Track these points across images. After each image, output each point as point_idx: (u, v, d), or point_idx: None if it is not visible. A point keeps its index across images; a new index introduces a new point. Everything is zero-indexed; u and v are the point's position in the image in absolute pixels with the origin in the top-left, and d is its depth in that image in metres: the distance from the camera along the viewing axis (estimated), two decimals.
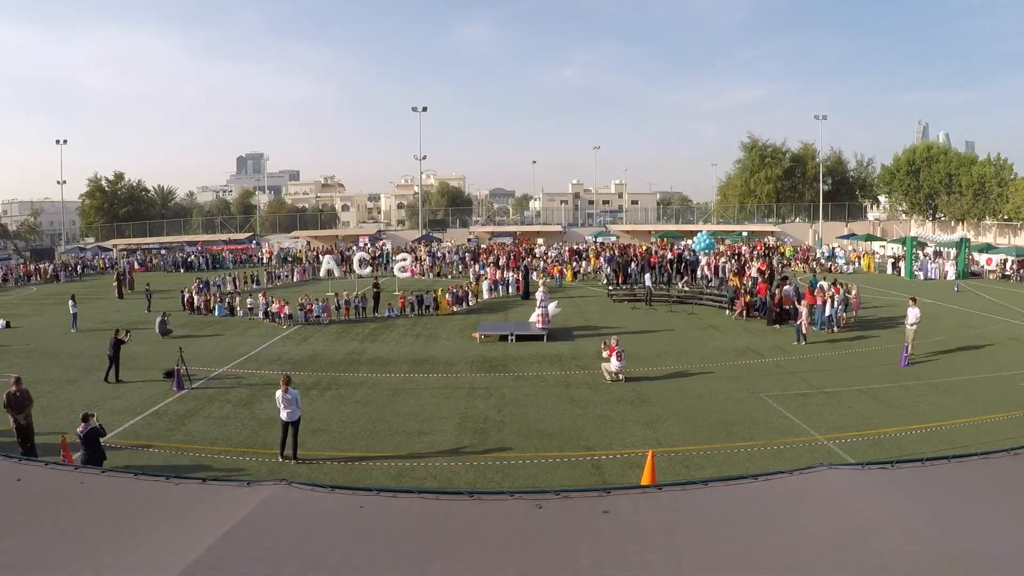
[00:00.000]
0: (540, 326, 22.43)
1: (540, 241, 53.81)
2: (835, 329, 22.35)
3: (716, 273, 34.87)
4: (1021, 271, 36.34)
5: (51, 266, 47.43)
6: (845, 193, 64.68)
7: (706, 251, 36.15)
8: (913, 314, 18.90)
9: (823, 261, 44.25)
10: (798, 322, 21.13)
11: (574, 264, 43.57)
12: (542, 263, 44.44)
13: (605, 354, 17.29)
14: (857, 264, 43.60)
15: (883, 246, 51.43)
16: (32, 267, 47.32)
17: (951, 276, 37.05)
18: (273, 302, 26.75)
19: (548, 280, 33.06)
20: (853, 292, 24.17)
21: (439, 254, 49.89)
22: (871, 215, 69.31)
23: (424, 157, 61.25)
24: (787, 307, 23.37)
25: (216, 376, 17.78)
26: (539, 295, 23.11)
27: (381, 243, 57.01)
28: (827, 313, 22.53)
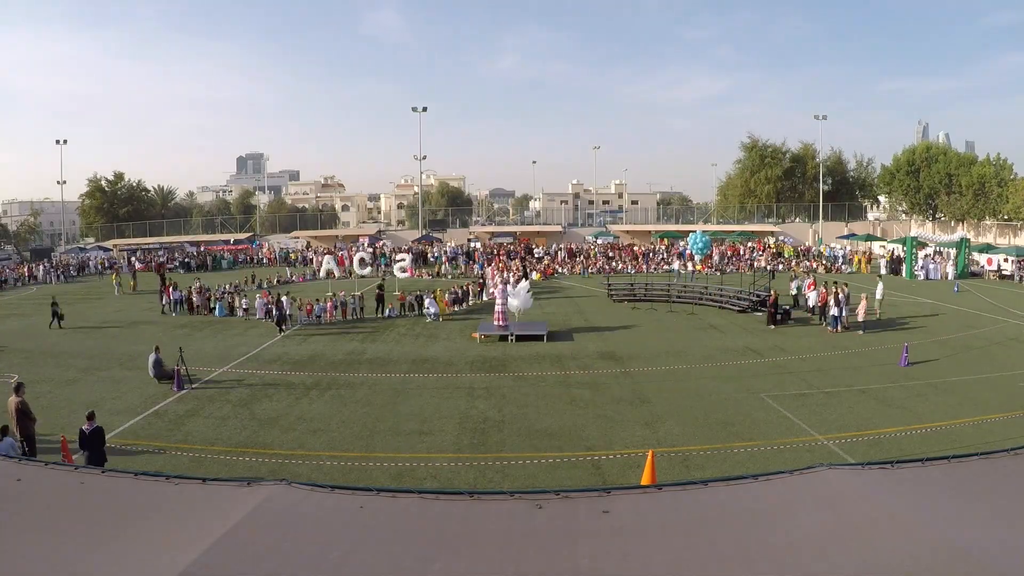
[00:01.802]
0: (498, 324, 22.42)
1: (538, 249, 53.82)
2: (838, 329, 22.40)
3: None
4: (1021, 272, 36.35)
5: (43, 266, 47.23)
6: (845, 193, 64.68)
7: (703, 251, 36.07)
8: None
9: (825, 262, 44.29)
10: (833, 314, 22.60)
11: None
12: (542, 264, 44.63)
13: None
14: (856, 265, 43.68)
15: (883, 246, 51.47)
16: (26, 268, 47.10)
17: (951, 276, 37.08)
18: (295, 302, 26.37)
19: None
20: (856, 295, 24.22)
21: (437, 255, 50.02)
22: (871, 215, 69.29)
23: (424, 157, 61.26)
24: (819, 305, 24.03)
25: (216, 376, 17.78)
26: (497, 292, 23.14)
27: (381, 243, 57.05)
28: (832, 312, 22.63)
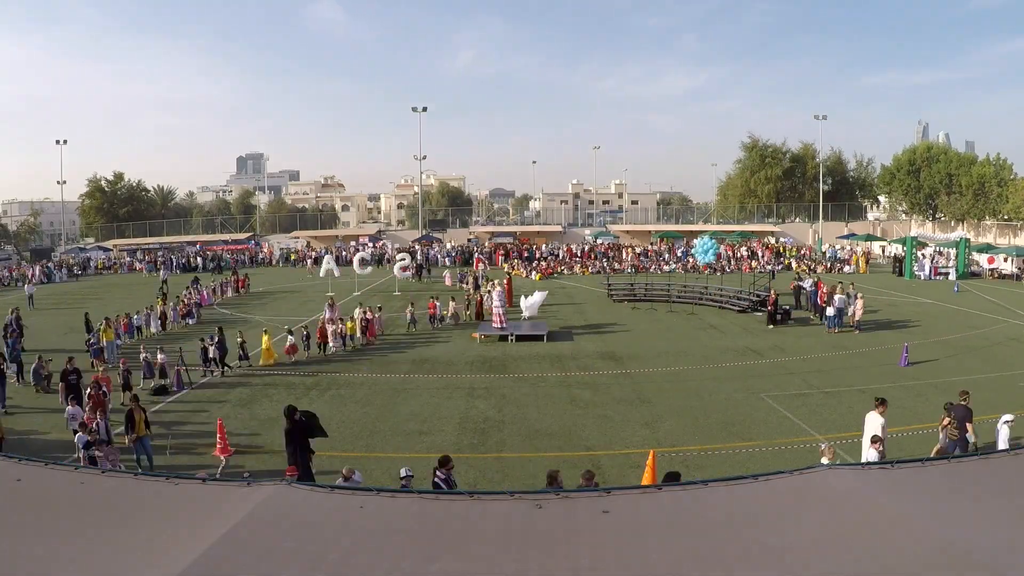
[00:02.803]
0: (496, 326, 22.41)
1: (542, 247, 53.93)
2: (838, 329, 22.42)
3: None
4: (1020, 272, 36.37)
5: (41, 266, 47.26)
6: (845, 193, 64.68)
7: (710, 257, 35.90)
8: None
9: (826, 262, 44.30)
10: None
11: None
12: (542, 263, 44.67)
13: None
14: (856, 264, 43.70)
15: (883, 246, 51.47)
16: (25, 269, 47.07)
17: (952, 276, 37.09)
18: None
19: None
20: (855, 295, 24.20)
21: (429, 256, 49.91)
22: (871, 215, 69.28)
23: (424, 157, 61.26)
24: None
25: (216, 376, 17.77)
26: (494, 295, 23.07)
27: (381, 243, 57.06)
28: (830, 312, 22.66)
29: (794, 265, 43.39)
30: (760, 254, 47.39)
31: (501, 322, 22.38)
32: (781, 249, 49.28)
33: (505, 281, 28.20)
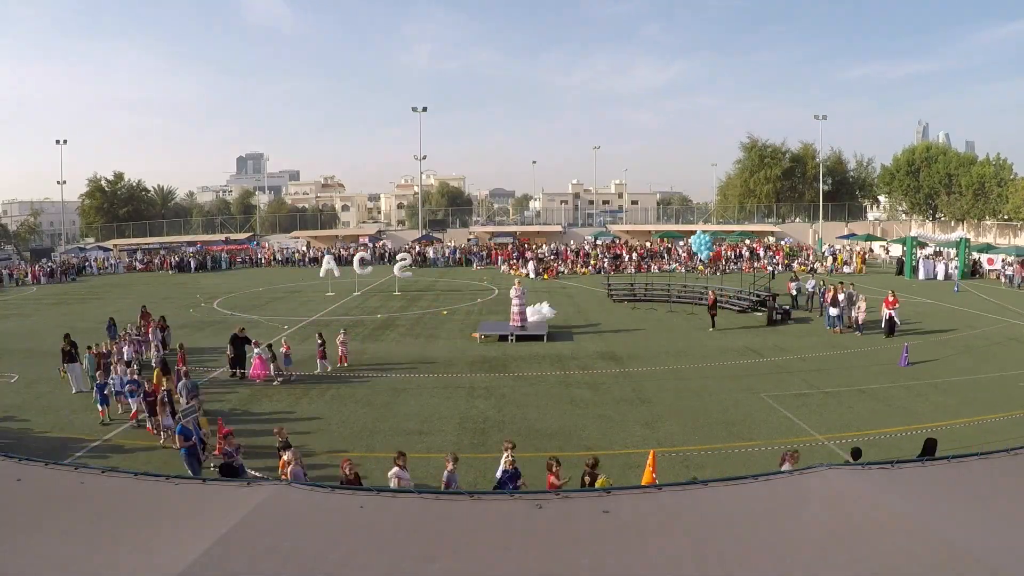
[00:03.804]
0: (514, 325, 22.20)
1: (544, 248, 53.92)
2: (840, 329, 22.42)
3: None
4: (1020, 273, 36.36)
5: (45, 265, 47.33)
6: (845, 193, 64.67)
7: (707, 252, 35.90)
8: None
9: (824, 262, 44.32)
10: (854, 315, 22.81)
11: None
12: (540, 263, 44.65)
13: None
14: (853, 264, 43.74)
15: (883, 246, 51.46)
16: (27, 268, 47.11)
17: (952, 276, 37.08)
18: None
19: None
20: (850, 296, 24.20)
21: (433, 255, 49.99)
22: (871, 215, 69.30)
23: (424, 157, 61.26)
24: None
25: (216, 376, 17.77)
26: (513, 292, 22.69)
27: (381, 243, 57.09)
28: (832, 312, 22.65)
29: (795, 266, 43.39)
30: (763, 254, 47.34)
31: (521, 320, 22.24)
32: (788, 249, 49.10)
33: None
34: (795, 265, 43.87)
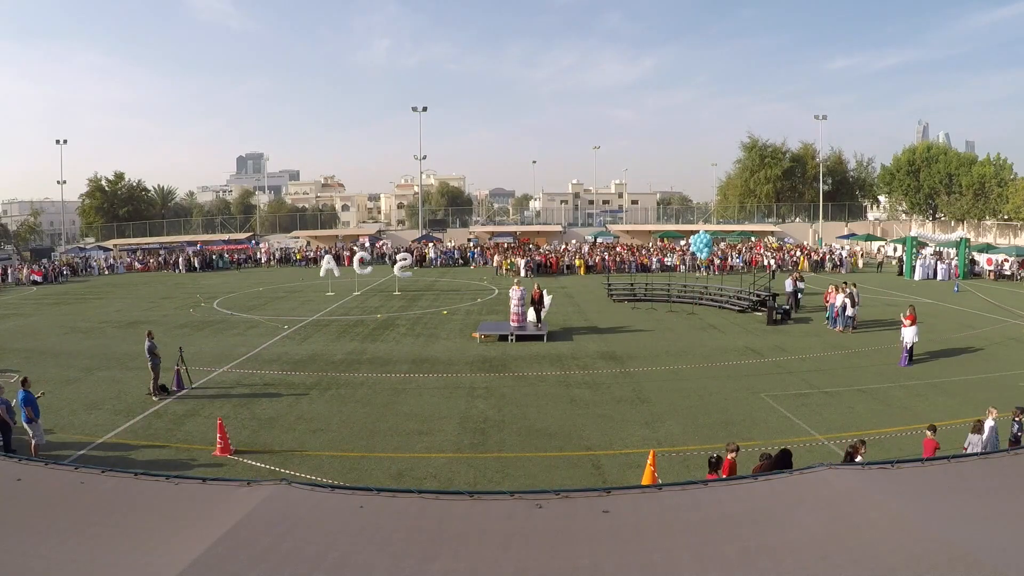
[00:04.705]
0: (514, 325, 22.23)
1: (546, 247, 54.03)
2: (842, 329, 22.42)
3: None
4: (1021, 271, 36.38)
5: (45, 264, 47.34)
6: (845, 193, 64.72)
7: (707, 251, 35.91)
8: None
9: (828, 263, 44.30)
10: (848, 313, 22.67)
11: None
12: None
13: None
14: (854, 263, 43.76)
15: (881, 246, 51.46)
16: (25, 268, 47.04)
17: (952, 276, 37.09)
18: None
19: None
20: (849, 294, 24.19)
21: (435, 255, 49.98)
22: (871, 215, 69.33)
23: (424, 157, 61.28)
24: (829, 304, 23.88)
25: (216, 376, 17.78)
26: (512, 292, 22.74)
27: (381, 243, 57.09)
28: (848, 313, 22.62)
29: (802, 263, 43.33)
30: (770, 253, 47.23)
31: (520, 321, 22.28)
32: (798, 250, 48.96)
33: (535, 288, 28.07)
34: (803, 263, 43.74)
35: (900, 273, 39.76)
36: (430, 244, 53.53)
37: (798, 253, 46.48)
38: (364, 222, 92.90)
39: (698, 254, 32.19)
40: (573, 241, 57.99)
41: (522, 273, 40.53)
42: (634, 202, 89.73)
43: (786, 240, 55.53)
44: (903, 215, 61.09)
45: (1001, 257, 38.83)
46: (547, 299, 23.75)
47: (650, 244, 53.62)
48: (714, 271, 40.55)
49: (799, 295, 27.38)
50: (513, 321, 22.32)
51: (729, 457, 9.36)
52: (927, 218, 57.98)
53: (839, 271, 41.79)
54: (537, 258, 45.35)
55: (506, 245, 54.09)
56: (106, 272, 50.00)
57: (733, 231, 58.29)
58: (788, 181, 64.41)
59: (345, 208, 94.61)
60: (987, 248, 41.51)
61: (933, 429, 10.42)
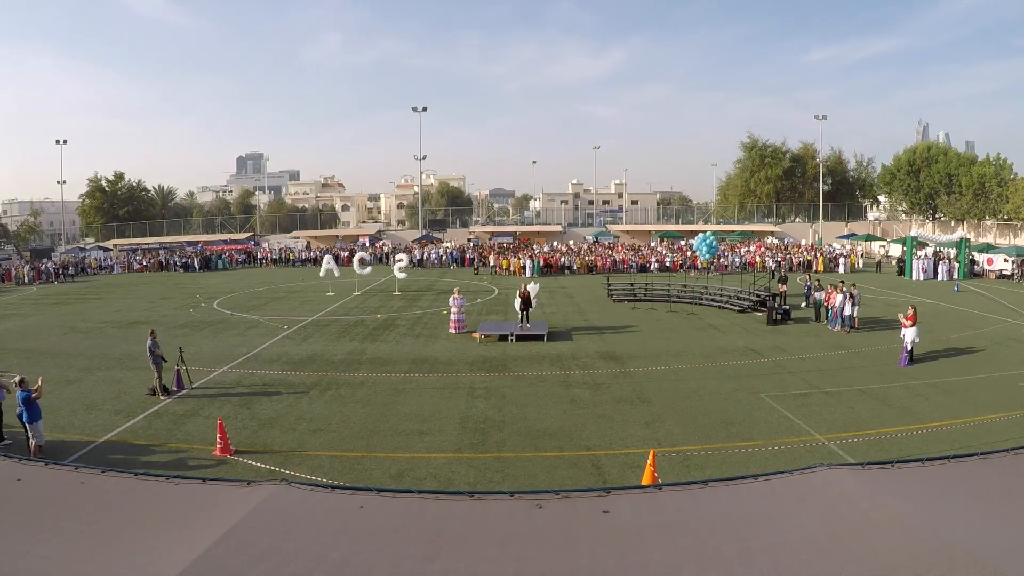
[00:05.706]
0: (453, 331, 22.79)
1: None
2: (842, 329, 22.43)
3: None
4: (1021, 270, 36.37)
5: (46, 265, 47.31)
6: (845, 193, 64.75)
7: (711, 253, 35.82)
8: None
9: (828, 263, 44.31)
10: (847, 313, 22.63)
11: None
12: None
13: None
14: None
15: (883, 246, 51.45)
16: (25, 268, 46.94)
17: (952, 276, 37.08)
18: None
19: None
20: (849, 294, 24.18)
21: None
22: (871, 215, 69.36)
23: (424, 157, 61.29)
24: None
25: (216, 376, 17.78)
26: (451, 301, 23.37)
27: (381, 243, 57.09)
28: (848, 312, 22.62)
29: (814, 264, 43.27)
30: (773, 254, 47.16)
31: (457, 328, 22.88)
32: (808, 249, 48.85)
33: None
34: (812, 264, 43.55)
35: (900, 273, 39.78)
36: (429, 244, 53.60)
37: (815, 254, 46.13)
38: (364, 222, 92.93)
39: (701, 256, 32.21)
40: (572, 241, 58.01)
41: (528, 273, 40.59)
42: (634, 202, 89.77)
43: (787, 240, 55.50)
44: (903, 215, 61.10)
45: (1001, 257, 38.85)
46: (533, 288, 23.99)
47: (650, 244, 53.61)
48: (714, 270, 40.54)
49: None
50: (452, 329, 22.95)
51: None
52: (927, 218, 57.99)
53: (837, 271, 41.80)
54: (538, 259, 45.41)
55: (504, 245, 54.15)
56: (112, 272, 50.01)
57: (733, 231, 58.28)
58: (788, 181, 64.45)
59: (345, 208, 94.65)
60: (987, 248, 41.51)
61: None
